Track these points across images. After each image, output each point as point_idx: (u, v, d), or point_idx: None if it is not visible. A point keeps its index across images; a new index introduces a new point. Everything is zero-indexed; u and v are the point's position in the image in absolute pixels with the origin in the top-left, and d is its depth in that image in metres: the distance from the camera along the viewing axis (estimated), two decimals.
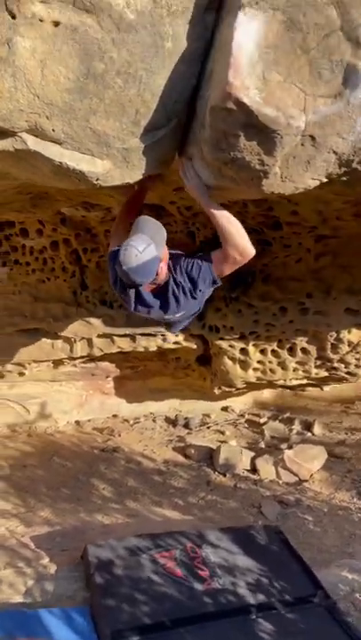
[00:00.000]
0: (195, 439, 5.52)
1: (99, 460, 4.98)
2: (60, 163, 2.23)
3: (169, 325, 3.08)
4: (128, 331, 4.73)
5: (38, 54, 1.95)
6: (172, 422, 6.05)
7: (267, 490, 4.58)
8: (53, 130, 2.14)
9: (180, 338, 4.96)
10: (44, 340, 4.78)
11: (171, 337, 4.89)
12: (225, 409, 6.46)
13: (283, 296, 4.48)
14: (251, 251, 2.52)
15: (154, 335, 4.83)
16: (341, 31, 2.08)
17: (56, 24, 1.95)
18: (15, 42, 1.91)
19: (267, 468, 4.87)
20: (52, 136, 2.16)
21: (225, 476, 4.86)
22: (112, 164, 2.33)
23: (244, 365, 5.02)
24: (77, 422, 5.82)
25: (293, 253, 4.21)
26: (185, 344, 5.02)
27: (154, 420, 6.01)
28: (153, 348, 4.95)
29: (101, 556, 3.24)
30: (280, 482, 4.73)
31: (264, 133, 2.12)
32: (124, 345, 4.89)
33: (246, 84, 2.02)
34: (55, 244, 4.25)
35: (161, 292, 2.64)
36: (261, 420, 6.10)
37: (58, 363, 5.18)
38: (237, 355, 4.95)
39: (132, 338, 4.84)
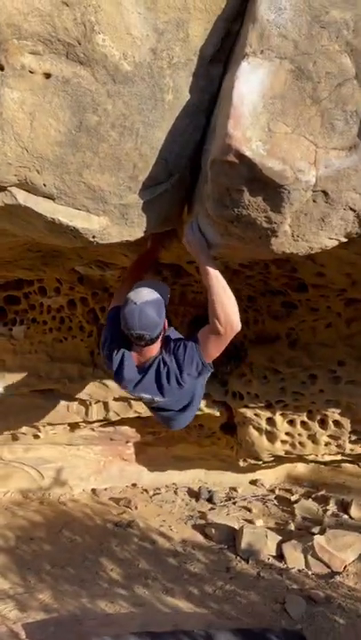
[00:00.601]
0: (217, 516, 5.07)
1: (111, 536, 4.60)
2: (53, 219, 2.10)
3: (166, 421, 2.86)
4: None
5: (27, 106, 1.85)
6: (194, 495, 5.63)
7: (293, 582, 4.07)
8: (45, 184, 2.01)
9: (202, 404, 4.64)
10: (59, 401, 4.58)
11: None
12: (254, 482, 5.99)
13: (312, 363, 4.15)
14: (237, 324, 2.31)
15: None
16: (356, 79, 1.90)
17: (47, 76, 1.86)
18: (3, 93, 1.81)
19: (295, 556, 4.36)
20: (43, 191, 2.03)
21: (247, 562, 4.38)
22: (109, 220, 2.17)
23: (271, 437, 4.63)
24: (94, 490, 5.49)
25: (322, 317, 3.92)
26: (207, 411, 4.71)
27: (175, 492, 5.60)
28: None
29: None
30: (309, 573, 4.21)
31: (270, 188, 1.92)
32: (142, 409, 4.62)
33: (248, 135, 1.84)
34: (72, 303, 4.13)
35: (146, 369, 2.46)
36: (293, 498, 5.59)
37: (74, 426, 4.95)
38: (264, 425, 4.59)
39: None
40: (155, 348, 2.45)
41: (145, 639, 3.00)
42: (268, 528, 4.88)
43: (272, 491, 5.84)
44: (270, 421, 4.56)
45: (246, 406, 4.50)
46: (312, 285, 3.55)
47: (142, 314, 2.27)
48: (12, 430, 4.78)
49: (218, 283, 2.28)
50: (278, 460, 5.09)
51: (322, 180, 1.92)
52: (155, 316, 2.31)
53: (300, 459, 4.90)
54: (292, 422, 4.55)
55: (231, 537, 4.71)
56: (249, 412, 4.54)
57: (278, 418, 4.51)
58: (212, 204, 2.09)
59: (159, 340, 2.44)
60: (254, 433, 4.67)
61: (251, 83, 1.85)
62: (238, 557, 4.43)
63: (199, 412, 4.75)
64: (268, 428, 4.59)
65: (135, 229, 2.24)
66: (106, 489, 5.53)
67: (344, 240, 2.18)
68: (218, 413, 4.74)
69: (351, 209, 2.02)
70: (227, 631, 3.15)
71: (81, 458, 5.43)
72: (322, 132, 1.91)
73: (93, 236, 2.19)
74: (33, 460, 5.20)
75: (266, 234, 2.08)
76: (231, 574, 4.20)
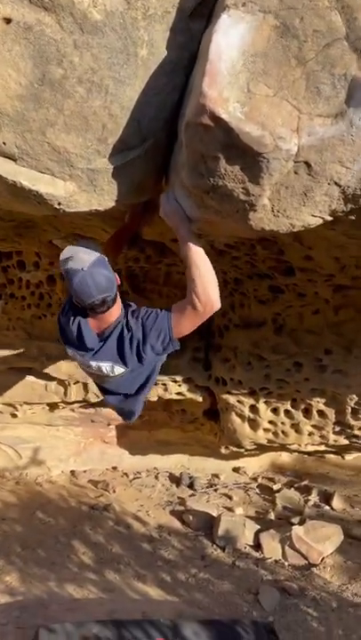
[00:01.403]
0: (197, 503, 4.98)
1: (85, 519, 4.51)
2: (15, 182, 1.93)
3: (123, 414, 2.72)
4: None
5: None
6: (175, 480, 5.54)
7: (269, 572, 3.99)
8: (4, 143, 1.85)
9: (184, 388, 4.53)
10: (36, 380, 4.45)
11: (173, 386, 4.47)
12: (237, 470, 5.90)
13: (298, 350, 4.01)
14: (216, 302, 2.16)
15: (155, 383, 4.41)
16: (346, 40, 1.74)
17: (7, 21, 1.69)
18: None
19: (272, 546, 4.28)
20: (3, 150, 1.87)
21: (223, 550, 4.29)
22: (76, 186, 2.01)
23: (254, 425, 4.52)
24: (73, 472, 5.39)
25: (309, 304, 3.77)
26: (189, 395, 4.59)
27: (156, 477, 5.51)
28: (153, 398, 4.53)
29: None
30: (286, 564, 4.13)
31: (248, 157, 1.77)
32: None
33: (225, 95, 1.68)
34: (52, 279, 3.97)
35: (108, 335, 2.26)
36: (275, 487, 5.51)
37: (53, 406, 4.83)
38: (246, 412, 4.47)
39: None
40: (115, 311, 2.24)
41: (108, 627, 2.91)
42: (248, 517, 4.80)
43: (255, 479, 5.75)
44: (253, 409, 4.44)
45: (229, 392, 4.38)
46: (300, 269, 3.39)
47: (96, 277, 2.08)
48: None
49: (198, 255, 2.13)
50: (261, 449, 4.99)
51: (304, 150, 1.76)
52: (108, 273, 2.14)
53: (283, 448, 4.80)
54: (275, 410, 4.43)
55: (209, 524, 4.62)
56: (232, 399, 4.42)
57: (262, 405, 4.39)
58: (187, 172, 1.94)
59: (117, 298, 2.25)
60: (237, 420, 4.56)
61: (230, 37, 1.69)
62: (215, 545, 4.35)
63: (181, 397, 4.64)
64: (251, 415, 4.47)
65: (105, 198, 2.09)
66: (85, 471, 5.43)
67: (329, 218, 2.04)
68: (200, 399, 4.63)
69: (336, 184, 1.87)
70: (193, 622, 3.06)
71: (60, 439, 5.32)
72: (306, 97, 1.75)
73: (59, 203, 2.03)
74: (10, 438, 5.08)
75: (244, 207, 1.93)
76: (206, 562, 4.12)
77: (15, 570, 3.70)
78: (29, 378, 4.43)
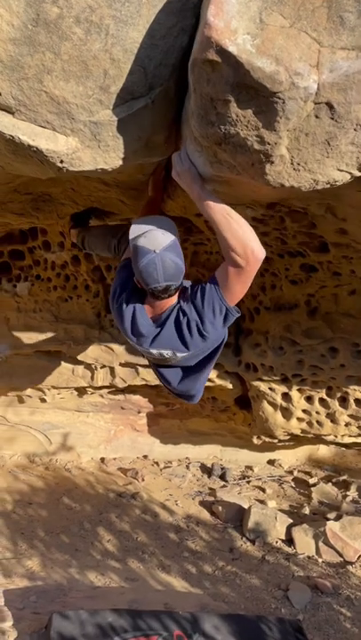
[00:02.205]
0: (228, 494, 4.80)
1: (112, 507, 4.41)
2: (12, 137, 1.81)
3: (183, 396, 2.44)
4: None
5: None
6: (207, 471, 5.37)
7: (300, 569, 3.77)
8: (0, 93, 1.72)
9: (213, 374, 4.35)
10: (63, 364, 4.38)
11: None
12: (272, 462, 5.68)
13: (333, 334, 3.77)
14: (259, 251, 1.89)
15: None
16: None
17: None
18: None
19: (305, 541, 4.06)
20: None
21: (253, 543, 4.10)
22: (79, 141, 1.87)
23: (287, 414, 4.31)
24: (102, 459, 5.31)
25: (346, 283, 3.52)
26: (218, 382, 4.41)
27: (187, 467, 5.36)
28: None
29: (65, 631, 2.65)
30: (319, 560, 3.90)
31: (261, 98, 1.57)
32: (149, 377, 4.36)
33: (233, 26, 1.49)
34: (77, 259, 3.88)
35: (164, 321, 2.08)
36: (312, 481, 5.26)
37: (82, 391, 4.76)
38: (279, 400, 4.26)
39: None
40: (175, 298, 2.08)
41: (123, 617, 2.78)
42: (281, 510, 4.59)
43: (290, 472, 5.52)
44: (286, 397, 4.23)
45: (260, 379, 4.18)
46: (334, 244, 3.15)
47: (166, 262, 1.90)
48: (17, 392, 4.63)
49: (220, 210, 1.90)
50: (295, 440, 4.76)
51: (326, 88, 1.55)
52: (179, 261, 1.94)
53: (319, 439, 4.56)
54: (309, 399, 4.20)
55: (239, 516, 4.44)
56: (263, 386, 4.22)
57: (295, 393, 4.17)
58: (197, 120, 1.76)
59: (180, 287, 2.06)
60: (269, 408, 4.35)
61: None
62: (244, 538, 4.17)
63: (210, 384, 4.47)
64: (284, 403, 4.26)
65: (111, 155, 1.94)
66: (115, 459, 5.35)
67: (358, 174, 1.82)
68: (230, 386, 4.44)
69: None
70: (214, 616, 2.89)
71: (90, 425, 5.25)
72: (328, 28, 1.54)
73: (61, 161, 1.90)
74: (40, 424, 5.05)
75: (259, 159, 1.73)
76: (234, 555, 3.95)
77: (37, 554, 3.63)
78: (56, 361, 4.36)
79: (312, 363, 3.90)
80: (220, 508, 4.50)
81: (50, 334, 4.27)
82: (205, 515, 4.47)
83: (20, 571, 3.42)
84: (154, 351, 2.13)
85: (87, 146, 1.89)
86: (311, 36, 1.54)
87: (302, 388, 4.11)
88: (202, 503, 4.65)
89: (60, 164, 1.91)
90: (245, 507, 4.54)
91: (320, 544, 3.99)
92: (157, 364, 2.32)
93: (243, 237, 1.88)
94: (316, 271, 3.47)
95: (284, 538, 4.16)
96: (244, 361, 4.19)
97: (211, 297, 1.99)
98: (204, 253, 3.83)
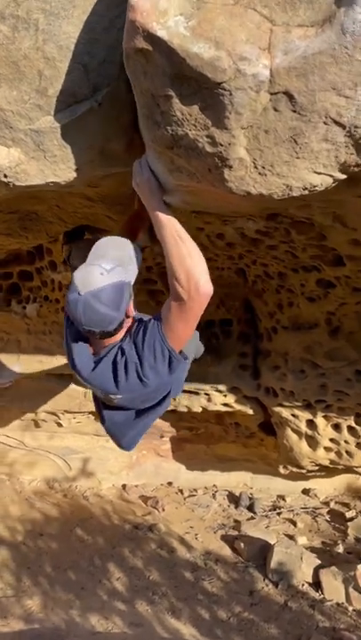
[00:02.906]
0: (253, 528, 4.44)
1: (126, 539, 4.16)
2: None
3: (115, 440, 2.14)
4: None
5: None
6: (234, 501, 5.03)
7: (326, 618, 3.38)
8: None
9: (231, 399, 4.05)
10: (74, 387, 4.21)
11: (217, 396, 4.02)
12: (306, 492, 5.27)
13: (358, 356, 3.40)
14: (205, 286, 1.63)
15: (196, 393, 4.00)
16: None
17: None
18: None
19: (333, 586, 3.65)
20: None
21: (276, 586, 3.73)
22: (22, 152, 1.69)
23: (313, 442, 3.94)
24: (124, 486, 5.08)
25: None
26: (237, 407, 4.11)
27: (213, 496, 5.05)
28: (197, 409, 4.11)
29: None
30: (349, 609, 3.48)
31: (204, 90, 1.34)
32: None
33: (162, 6, 1.27)
34: None
35: (101, 357, 1.83)
36: (349, 514, 4.82)
37: (97, 415, 4.56)
38: (303, 428, 3.91)
39: None
40: (115, 337, 1.83)
41: None
42: (312, 547, 4.19)
43: (326, 503, 5.10)
44: (311, 424, 3.87)
45: (282, 405, 3.85)
46: (348, 257, 2.82)
47: (88, 308, 1.65)
48: (29, 415, 4.50)
49: (171, 231, 1.66)
50: (325, 471, 4.37)
51: (281, 75, 1.29)
52: (107, 310, 1.67)
53: (350, 470, 4.15)
54: (337, 427, 3.83)
55: (263, 554, 4.07)
56: (285, 412, 3.88)
57: (320, 420, 3.81)
58: (143, 122, 1.54)
59: (121, 331, 1.82)
60: (293, 436, 4.01)
61: None
62: (266, 580, 3.80)
63: (229, 409, 4.17)
64: (309, 431, 3.90)
65: (60, 167, 1.74)
66: (137, 486, 5.10)
67: (342, 176, 1.53)
68: (251, 411, 4.12)
69: (336, 122, 1.37)
70: None
71: (111, 450, 5.03)
72: (282, 2, 1.28)
73: (5, 175, 1.71)
74: (59, 448, 4.90)
75: (215, 163, 1.48)
76: (254, 600, 3.60)
77: (39, 593, 3.43)
78: (67, 385, 4.20)
79: (337, 387, 3.54)
80: (242, 544, 4.15)
81: (60, 357, 4.12)
82: (226, 551, 4.14)
83: (18, 611, 3.22)
84: (90, 387, 1.89)
85: (32, 157, 1.70)
86: (261, 13, 1.29)
87: (328, 414, 3.75)
88: (224, 538, 4.32)
89: (4, 179, 1.73)
90: (272, 543, 4.17)
91: (350, 590, 3.57)
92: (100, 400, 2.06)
93: (189, 266, 1.62)
94: (334, 287, 3.13)
95: (310, 581, 3.77)
96: (264, 385, 3.88)
97: (152, 336, 1.73)
98: (215, 270, 3.56)
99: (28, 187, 1.78)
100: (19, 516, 4.34)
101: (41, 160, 1.71)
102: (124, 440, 2.09)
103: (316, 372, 3.55)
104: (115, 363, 1.79)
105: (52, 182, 1.78)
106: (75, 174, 1.78)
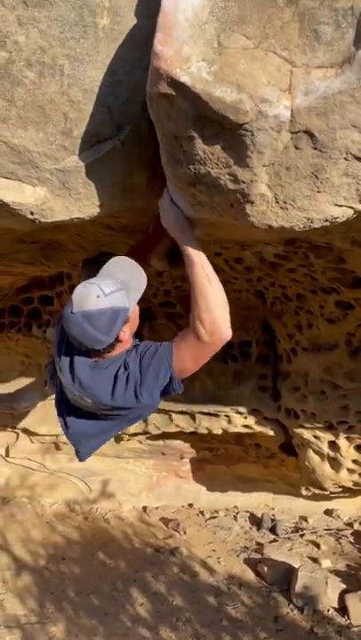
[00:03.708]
0: (276, 551, 4.39)
1: (148, 564, 4.14)
2: None
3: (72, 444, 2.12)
4: (186, 408, 3.97)
5: None
6: (256, 522, 4.99)
7: None
8: None
9: (251, 421, 4.04)
10: None
11: (237, 418, 4.01)
12: (329, 512, 5.20)
13: None
14: (225, 331, 1.69)
15: (216, 415, 4.00)
16: None
17: None
18: None
19: (360, 611, 3.58)
20: None
21: (302, 611, 3.68)
22: (48, 191, 1.74)
23: (335, 464, 3.90)
24: (145, 508, 5.06)
25: None
26: (258, 429, 4.09)
27: (235, 517, 5.00)
28: (217, 431, 4.10)
29: None
30: None
31: (227, 131, 1.38)
32: (183, 424, 4.13)
33: (186, 53, 1.31)
34: None
35: (104, 367, 1.86)
36: None
37: (118, 437, 4.57)
38: (325, 449, 3.87)
39: (192, 416, 4.07)
40: (122, 344, 1.86)
41: None
42: (336, 571, 4.12)
43: (350, 524, 5.02)
44: (333, 446, 3.84)
45: (303, 426, 3.82)
46: None
47: (78, 327, 1.69)
48: (50, 438, 4.52)
49: (202, 273, 1.70)
50: (350, 492, 4.32)
51: (302, 115, 1.32)
52: (96, 333, 1.70)
53: None
54: (360, 448, 3.79)
55: (287, 578, 4.02)
56: (307, 434, 3.86)
57: (343, 442, 3.78)
58: (165, 160, 1.58)
59: (114, 350, 1.84)
60: (315, 458, 3.97)
61: None
62: (291, 605, 3.74)
63: (250, 430, 4.16)
64: (331, 453, 3.87)
65: (84, 203, 1.78)
66: (158, 507, 5.08)
67: None
68: (272, 432, 4.10)
69: (357, 157, 1.40)
70: None
71: (131, 472, 5.04)
72: (301, 44, 1.32)
73: (31, 212, 1.76)
74: (79, 470, 4.90)
75: (237, 199, 1.51)
76: (279, 625, 3.54)
77: (63, 619, 3.41)
78: None
79: (359, 409, 3.52)
80: (265, 568, 4.10)
81: None
82: (250, 575, 4.09)
83: (43, 638, 3.20)
84: (77, 393, 1.89)
85: (57, 195, 1.75)
86: (281, 55, 1.32)
87: (350, 436, 3.72)
88: (247, 561, 4.27)
89: (30, 216, 1.78)
90: (295, 566, 4.12)
91: None
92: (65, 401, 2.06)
93: (214, 312, 1.67)
94: (353, 308, 3.13)
95: (336, 606, 3.70)
96: (284, 406, 3.86)
97: (160, 359, 1.77)
98: (233, 292, 3.59)
99: (53, 223, 1.83)
100: (40, 539, 4.34)
101: (66, 197, 1.76)
102: (83, 448, 2.09)
103: (336, 393, 3.53)
104: (116, 376, 1.82)
105: (76, 218, 1.83)
106: (98, 209, 1.83)
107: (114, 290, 1.73)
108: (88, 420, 1.96)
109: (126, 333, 1.83)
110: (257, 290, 3.50)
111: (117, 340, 1.80)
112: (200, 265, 1.71)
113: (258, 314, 3.73)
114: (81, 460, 2.15)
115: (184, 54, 1.30)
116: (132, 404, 1.81)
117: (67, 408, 2.02)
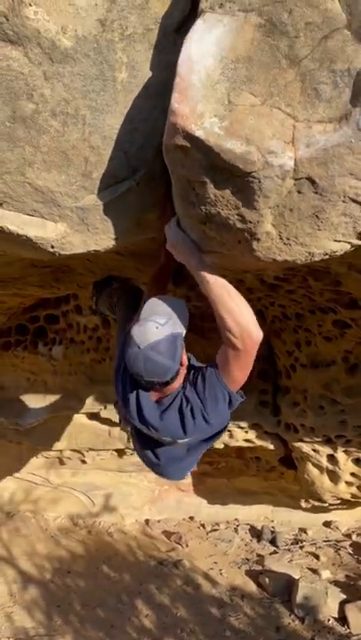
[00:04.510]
0: (276, 563, 4.49)
1: (152, 576, 4.23)
2: (2, 227, 1.83)
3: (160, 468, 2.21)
4: None
5: None
6: (256, 535, 5.08)
7: None
8: None
9: (252, 435, 4.16)
10: (100, 426, 4.34)
11: (238, 433, 4.13)
12: (328, 524, 5.30)
13: None
14: (256, 332, 1.78)
15: None
16: (348, 29, 1.44)
17: None
18: None
19: (359, 621, 3.68)
20: None
21: (303, 621, 3.77)
22: (67, 227, 1.87)
23: (334, 477, 4.02)
24: (147, 521, 5.15)
25: None
26: (258, 443, 4.21)
27: (235, 530, 5.10)
28: (219, 445, 4.21)
29: None
30: None
31: (236, 178, 1.51)
32: None
33: (200, 110, 1.45)
34: (107, 322, 3.89)
35: (167, 406, 1.97)
36: None
37: (121, 452, 4.68)
38: (324, 462, 3.99)
39: None
40: (174, 384, 1.98)
41: None
42: (336, 581, 4.22)
43: (348, 536, 5.13)
44: (332, 459, 3.96)
45: (302, 440, 3.95)
46: None
47: (148, 361, 1.81)
48: (54, 453, 4.62)
49: (219, 288, 1.80)
50: (348, 504, 4.43)
51: (304, 164, 1.46)
52: (164, 360, 1.82)
53: None
54: (358, 461, 3.92)
55: (288, 589, 4.12)
56: (306, 448, 3.98)
57: (341, 455, 3.90)
58: (178, 201, 1.72)
59: (178, 379, 1.96)
60: (314, 471, 4.09)
61: (204, 44, 1.46)
62: (292, 615, 3.84)
63: (250, 444, 4.28)
64: (330, 466, 3.99)
65: (101, 237, 1.92)
66: (160, 521, 5.17)
67: (358, 242, 1.70)
68: (272, 446, 4.22)
69: (354, 200, 1.54)
70: None
71: (133, 485, 5.14)
72: (302, 101, 1.46)
73: (52, 246, 1.90)
74: (82, 485, 5.00)
75: (244, 237, 1.65)
76: (281, 635, 3.64)
77: (71, 631, 3.50)
78: (93, 423, 4.34)
79: (356, 423, 3.65)
80: (266, 579, 4.20)
81: (85, 396, 4.27)
82: (251, 586, 4.19)
83: None
84: (155, 435, 2.03)
85: (76, 230, 1.89)
86: (285, 111, 1.47)
87: (348, 449, 3.85)
88: (248, 573, 4.37)
89: (51, 249, 1.91)
90: (296, 577, 4.22)
91: None
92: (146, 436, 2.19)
93: (239, 318, 1.77)
94: (350, 327, 3.27)
95: (336, 615, 3.80)
96: (284, 421, 3.99)
97: (211, 384, 1.89)
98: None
99: (71, 255, 1.97)
100: (45, 553, 4.42)
101: (84, 232, 1.89)
102: (178, 471, 2.22)
103: (335, 408, 3.66)
104: (181, 411, 1.94)
105: (93, 250, 1.97)
106: (114, 242, 1.97)
107: (167, 319, 1.86)
108: (174, 447, 2.07)
109: (184, 358, 1.96)
110: (257, 309, 3.64)
111: (180, 365, 1.91)
112: (214, 280, 1.81)
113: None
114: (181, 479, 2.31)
115: (198, 111, 1.44)
116: (206, 429, 1.93)
117: (151, 443, 2.10)
